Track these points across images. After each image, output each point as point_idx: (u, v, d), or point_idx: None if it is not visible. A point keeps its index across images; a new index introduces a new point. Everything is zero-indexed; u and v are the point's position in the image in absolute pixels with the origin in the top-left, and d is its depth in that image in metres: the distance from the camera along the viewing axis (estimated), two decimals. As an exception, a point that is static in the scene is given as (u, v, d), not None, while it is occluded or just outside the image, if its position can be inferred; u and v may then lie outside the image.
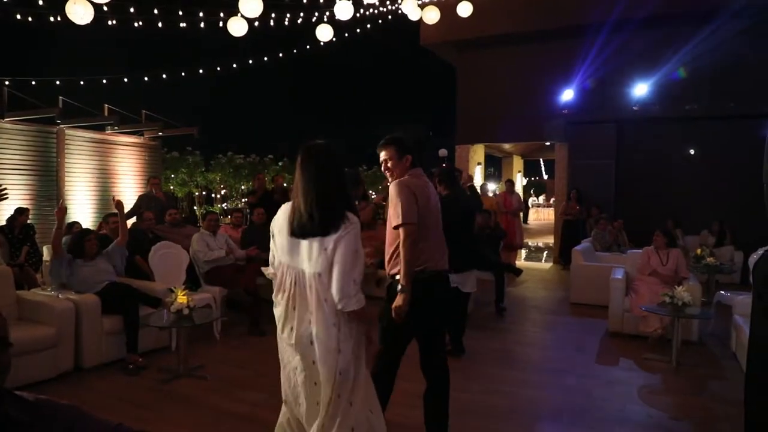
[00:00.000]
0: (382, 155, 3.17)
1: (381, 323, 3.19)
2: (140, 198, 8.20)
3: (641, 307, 5.20)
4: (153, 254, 5.70)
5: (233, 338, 5.68)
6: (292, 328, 2.55)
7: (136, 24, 7.21)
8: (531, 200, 26.04)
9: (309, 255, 2.44)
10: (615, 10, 10.05)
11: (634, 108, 10.86)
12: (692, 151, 10.87)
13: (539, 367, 5.06)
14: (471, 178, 10.50)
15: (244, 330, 5.85)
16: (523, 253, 12.55)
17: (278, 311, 2.63)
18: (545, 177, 29.59)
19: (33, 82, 8.46)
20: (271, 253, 2.64)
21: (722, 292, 6.30)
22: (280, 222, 2.55)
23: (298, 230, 2.45)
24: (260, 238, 6.90)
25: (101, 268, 5.00)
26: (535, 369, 4.99)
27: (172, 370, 4.54)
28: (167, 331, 5.04)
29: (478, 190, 11.75)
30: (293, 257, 2.49)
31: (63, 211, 4.97)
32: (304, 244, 2.45)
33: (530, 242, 15.76)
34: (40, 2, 6.72)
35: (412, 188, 2.99)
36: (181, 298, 4.40)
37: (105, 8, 6.20)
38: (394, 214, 2.97)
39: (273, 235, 2.60)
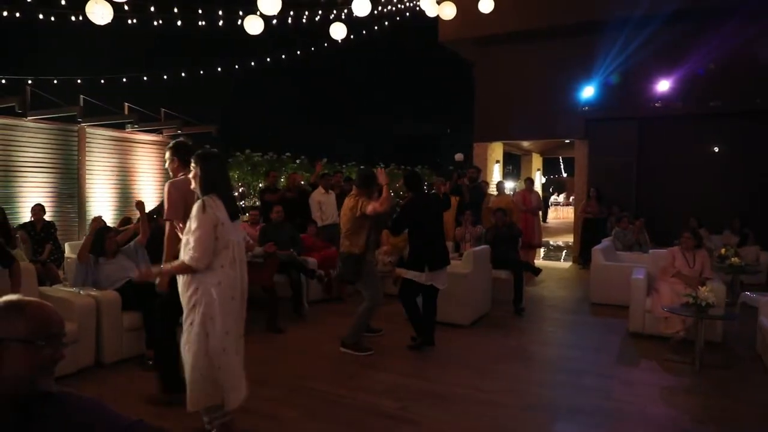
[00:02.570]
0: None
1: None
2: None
3: (663, 308, 5.10)
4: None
5: (250, 335, 5.67)
6: (243, 291, 3.34)
7: (155, 23, 7.27)
8: (552, 198, 25.77)
9: (237, 231, 3.29)
10: (638, 6, 9.88)
11: (657, 105, 10.68)
12: (716, 149, 10.66)
13: (558, 366, 4.99)
14: (478, 171, 10.40)
15: (261, 326, 5.87)
16: (542, 252, 12.43)
17: (231, 278, 3.22)
18: (564, 175, 29.31)
19: (55, 81, 8.57)
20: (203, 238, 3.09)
21: (747, 293, 6.15)
22: (223, 213, 3.16)
23: (235, 214, 3.28)
24: (277, 236, 6.94)
25: (122, 266, 5.05)
26: (554, 368, 4.93)
27: (190, 366, 4.56)
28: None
29: (493, 188, 11.71)
30: (236, 234, 3.26)
31: (98, 221, 5.17)
32: (236, 224, 3.30)
33: (549, 241, 15.62)
34: (63, 2, 6.80)
35: (179, 188, 3.58)
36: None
37: (126, 7, 6.25)
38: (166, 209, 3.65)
39: (222, 223, 3.13)
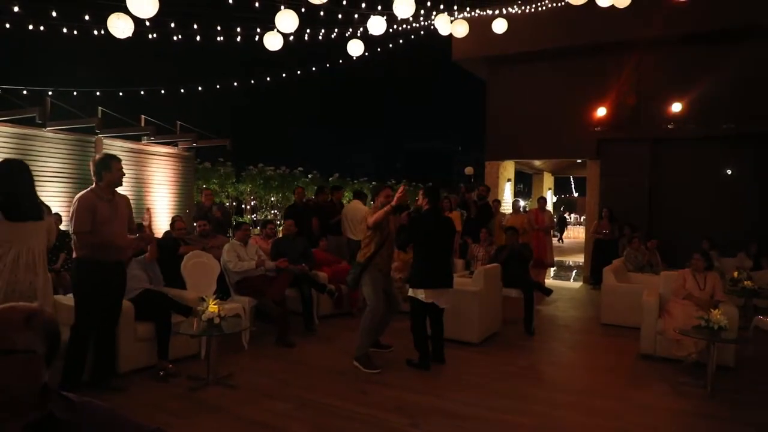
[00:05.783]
0: None
1: None
2: (197, 207, 8.64)
3: (676, 330, 5.06)
4: (186, 263, 5.80)
5: (261, 348, 5.73)
6: (29, 297, 3.76)
7: (175, 38, 7.42)
8: (574, 217, 25.65)
9: (27, 234, 4.00)
10: (651, 28, 9.94)
11: (669, 126, 10.67)
12: (729, 171, 10.62)
13: (568, 387, 4.96)
14: (488, 190, 10.42)
15: (272, 340, 5.89)
16: (551, 271, 12.37)
17: (10, 282, 3.84)
18: (575, 194, 29.23)
19: (75, 93, 8.74)
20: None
21: (761, 317, 6.10)
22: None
23: (26, 216, 3.95)
24: (290, 250, 6.99)
25: (135, 275, 5.10)
26: (564, 389, 4.89)
27: (201, 378, 4.59)
28: (197, 339, 5.11)
29: (508, 207, 11.73)
30: (22, 237, 3.94)
31: None
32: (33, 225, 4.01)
33: (559, 260, 15.54)
34: (87, 17, 6.97)
35: (90, 202, 4.10)
36: (212, 307, 4.46)
37: (147, 23, 6.39)
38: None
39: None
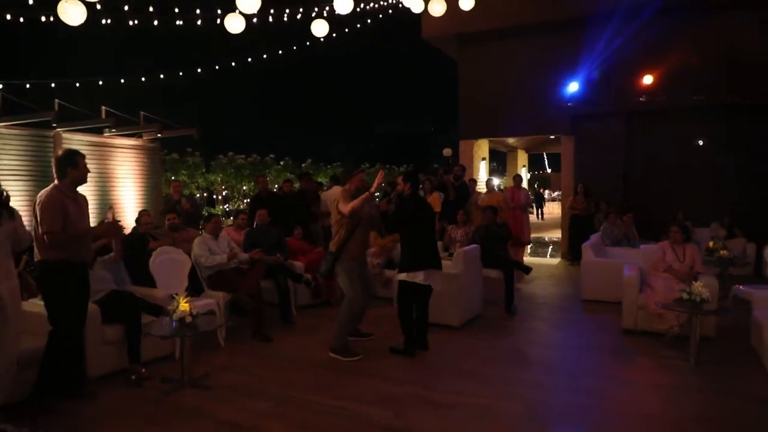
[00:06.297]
0: None
1: None
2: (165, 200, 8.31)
3: (658, 304, 5.03)
4: (154, 260, 5.55)
5: (238, 344, 5.54)
6: None
7: (130, 22, 7.04)
8: (547, 193, 25.72)
9: None
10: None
11: (642, 99, 10.67)
12: (700, 142, 10.69)
13: (553, 367, 4.90)
14: (463, 169, 10.31)
15: (249, 335, 5.70)
16: (529, 248, 12.37)
17: None
18: (549, 171, 29.41)
19: (27, 86, 8.29)
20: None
21: (740, 287, 6.13)
22: None
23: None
24: (263, 240, 6.78)
25: (100, 276, 4.85)
26: (549, 370, 4.83)
27: (175, 380, 4.40)
28: (170, 340, 4.89)
29: (483, 186, 11.65)
30: None
31: None
32: None
33: (536, 237, 15.58)
34: (30, 2, 6.55)
35: (58, 200, 3.86)
36: (183, 305, 4.25)
37: (98, 6, 6.02)
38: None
39: None
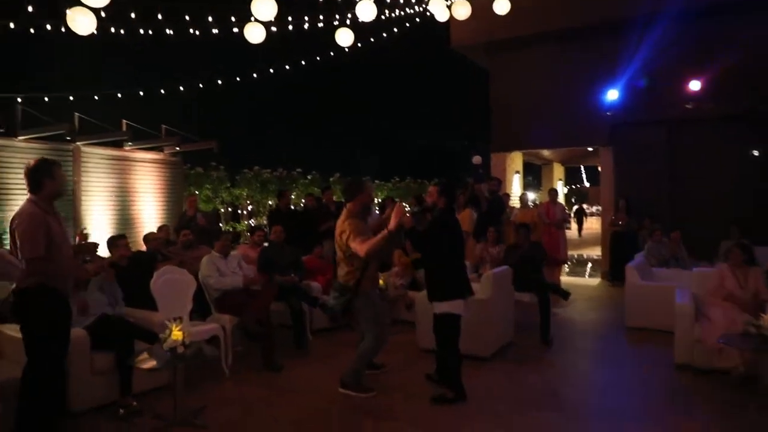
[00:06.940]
0: None
1: None
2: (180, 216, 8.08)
3: (719, 341, 4.33)
4: (155, 281, 5.15)
5: (245, 372, 5.08)
6: None
7: (141, 31, 6.77)
8: (587, 208, 24.66)
9: None
10: (665, 1, 9.19)
11: (688, 106, 9.89)
12: (755, 152, 9.83)
13: (595, 412, 4.26)
14: (499, 182, 9.73)
15: (259, 362, 5.22)
16: (566, 267, 11.63)
17: None
18: (587, 185, 28.40)
19: (46, 99, 8.14)
20: None
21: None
22: None
23: None
24: (278, 258, 6.35)
25: (95, 299, 4.49)
26: (591, 415, 4.19)
27: (168, 416, 3.96)
28: (165, 370, 4.46)
29: (516, 200, 11.04)
30: None
31: None
32: None
33: (573, 254, 14.77)
34: (30, 9, 6.34)
35: (41, 218, 3.43)
36: (176, 333, 3.81)
37: (102, 14, 5.75)
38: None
39: None
